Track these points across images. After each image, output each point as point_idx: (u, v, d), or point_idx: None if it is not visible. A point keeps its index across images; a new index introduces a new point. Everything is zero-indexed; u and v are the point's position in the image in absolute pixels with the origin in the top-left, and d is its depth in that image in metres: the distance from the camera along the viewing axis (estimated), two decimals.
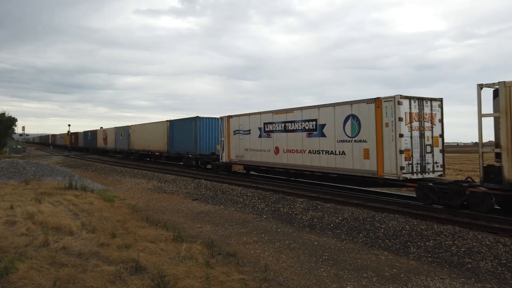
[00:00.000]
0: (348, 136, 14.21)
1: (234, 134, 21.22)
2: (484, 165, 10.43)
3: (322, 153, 15.40)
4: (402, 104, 12.51)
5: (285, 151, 17.44)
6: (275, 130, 18.13)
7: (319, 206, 12.54)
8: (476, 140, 11.18)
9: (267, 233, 10.58)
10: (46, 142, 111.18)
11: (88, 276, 6.57)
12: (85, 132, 60.31)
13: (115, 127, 43.43)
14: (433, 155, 13.10)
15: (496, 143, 10.21)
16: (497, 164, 10.17)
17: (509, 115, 9.83)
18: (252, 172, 21.65)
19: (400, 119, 12.40)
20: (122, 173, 26.38)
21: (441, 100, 13.43)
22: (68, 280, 6.47)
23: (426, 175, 12.91)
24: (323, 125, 15.39)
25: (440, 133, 13.35)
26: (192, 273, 6.71)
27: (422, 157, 12.84)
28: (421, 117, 12.90)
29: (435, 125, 13.20)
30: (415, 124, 12.76)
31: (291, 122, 17.09)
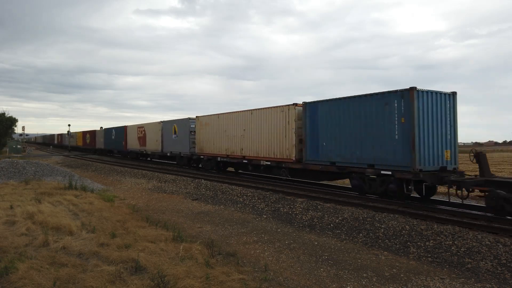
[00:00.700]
0: None
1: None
2: None
3: None
4: None
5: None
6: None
7: (319, 206, 12.54)
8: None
9: (267, 233, 10.58)
10: (50, 143, 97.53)
11: (88, 276, 6.56)
12: (108, 130, 45.98)
13: (162, 121, 31.39)
14: None
15: None
16: None
17: None
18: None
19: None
20: (122, 173, 26.38)
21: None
22: (68, 280, 6.46)
23: None
24: None
25: None
26: (192, 273, 6.71)
27: None
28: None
29: None
30: None
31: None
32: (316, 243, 9.66)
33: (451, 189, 11.74)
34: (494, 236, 8.61)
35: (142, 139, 35.49)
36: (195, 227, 11.35)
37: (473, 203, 13.16)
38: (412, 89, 11.76)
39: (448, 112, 12.60)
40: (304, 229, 11.12)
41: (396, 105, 12.30)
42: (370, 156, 13.24)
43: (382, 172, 12.73)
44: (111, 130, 44.79)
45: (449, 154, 12.53)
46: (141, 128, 36.04)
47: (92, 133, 53.12)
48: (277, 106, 18.08)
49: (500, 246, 8.10)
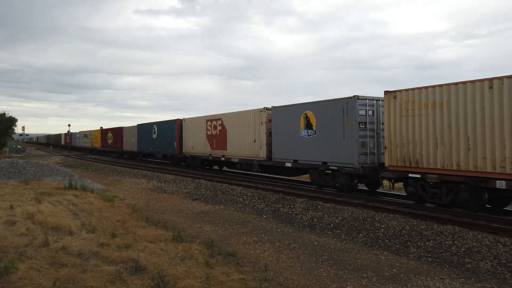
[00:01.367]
0: None
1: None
2: None
3: None
4: None
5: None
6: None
7: (319, 206, 12.54)
8: None
9: (267, 233, 10.58)
10: (57, 143, 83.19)
11: (88, 276, 6.57)
12: (141, 126, 33.63)
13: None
14: None
15: None
16: None
17: None
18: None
19: None
20: (122, 173, 26.38)
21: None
22: (68, 280, 6.47)
23: None
24: None
25: None
26: (192, 273, 6.71)
27: None
28: None
29: None
30: None
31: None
32: (316, 243, 9.66)
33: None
34: (494, 236, 8.61)
35: (217, 139, 22.76)
36: (195, 227, 11.35)
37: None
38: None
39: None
40: (304, 229, 11.12)
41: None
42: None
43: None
44: (150, 126, 31.85)
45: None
46: (216, 121, 23.00)
47: (117, 131, 39.58)
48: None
49: (500, 246, 8.10)
